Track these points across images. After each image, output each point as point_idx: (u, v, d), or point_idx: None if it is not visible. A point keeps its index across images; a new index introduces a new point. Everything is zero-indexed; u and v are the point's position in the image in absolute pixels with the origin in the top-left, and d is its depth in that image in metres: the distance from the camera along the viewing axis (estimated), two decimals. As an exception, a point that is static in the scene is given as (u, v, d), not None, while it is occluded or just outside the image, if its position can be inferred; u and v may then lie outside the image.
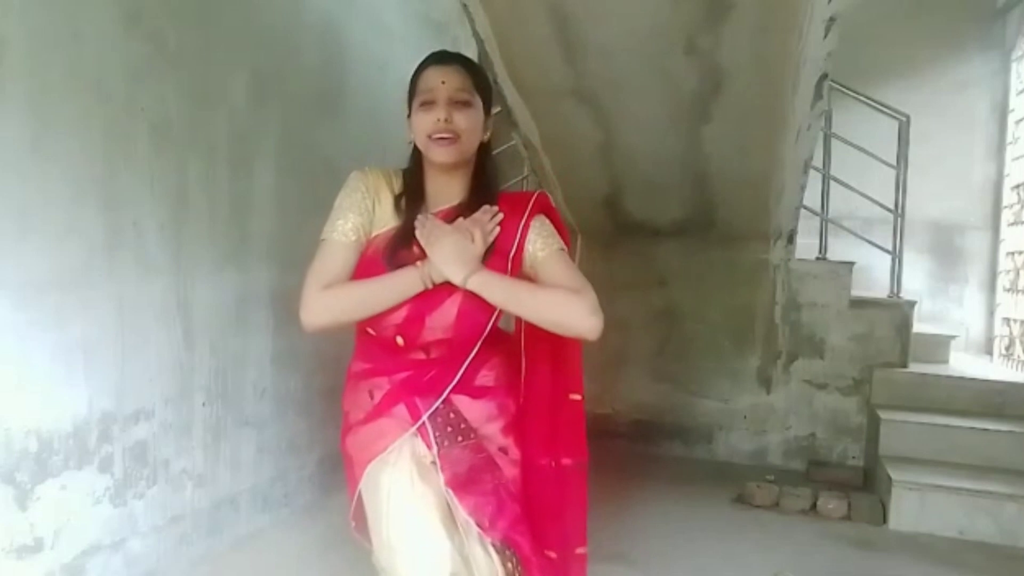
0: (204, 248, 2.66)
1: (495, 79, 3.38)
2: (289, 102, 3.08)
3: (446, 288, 1.43)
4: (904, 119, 4.31)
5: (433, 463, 1.45)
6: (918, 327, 4.44)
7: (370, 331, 1.51)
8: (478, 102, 1.48)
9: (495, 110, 1.69)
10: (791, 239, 4.33)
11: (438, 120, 1.42)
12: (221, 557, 2.72)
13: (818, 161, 4.17)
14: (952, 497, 3.34)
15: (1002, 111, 5.81)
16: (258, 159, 2.93)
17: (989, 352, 5.64)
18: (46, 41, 2.06)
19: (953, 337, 4.91)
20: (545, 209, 1.54)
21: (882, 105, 4.32)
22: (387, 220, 1.49)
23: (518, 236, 1.48)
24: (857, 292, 4.32)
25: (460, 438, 1.49)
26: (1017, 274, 5.27)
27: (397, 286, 1.42)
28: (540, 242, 1.48)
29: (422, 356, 1.50)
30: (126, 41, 2.31)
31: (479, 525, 1.44)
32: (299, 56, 3.15)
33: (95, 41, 2.20)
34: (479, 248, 1.42)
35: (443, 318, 1.46)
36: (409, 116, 1.50)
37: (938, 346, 4.68)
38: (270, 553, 2.81)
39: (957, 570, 2.97)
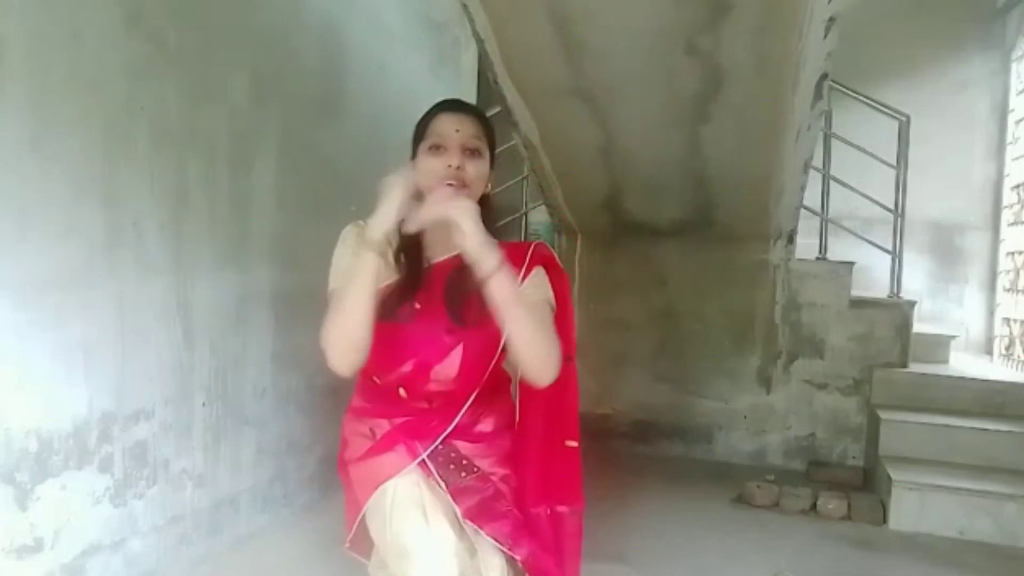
0: (204, 247, 2.66)
1: (495, 79, 3.38)
2: (289, 102, 3.08)
3: (451, 339, 1.46)
4: (904, 119, 4.31)
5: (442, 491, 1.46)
6: (918, 327, 4.44)
7: (375, 380, 1.54)
8: (487, 153, 1.49)
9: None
10: (791, 239, 4.33)
11: (449, 166, 1.43)
12: (221, 557, 2.72)
13: (818, 161, 4.17)
14: (952, 497, 3.34)
15: (1002, 111, 5.81)
16: (258, 159, 2.93)
17: (989, 352, 5.64)
18: (46, 41, 2.06)
19: (953, 337, 4.91)
20: (544, 260, 1.56)
21: (882, 105, 4.32)
22: (385, 274, 1.45)
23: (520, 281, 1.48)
24: (857, 292, 4.31)
25: (464, 473, 1.50)
26: (1017, 274, 5.27)
27: (360, 273, 1.37)
28: (530, 290, 1.50)
29: (424, 405, 1.53)
30: (126, 40, 2.30)
31: (503, 545, 1.44)
32: (299, 56, 3.15)
33: (95, 41, 2.20)
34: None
35: (448, 370, 1.49)
36: (413, 158, 1.49)
37: (938, 346, 4.68)
38: (270, 553, 2.81)
39: (957, 570, 2.97)
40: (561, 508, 1.58)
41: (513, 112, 3.59)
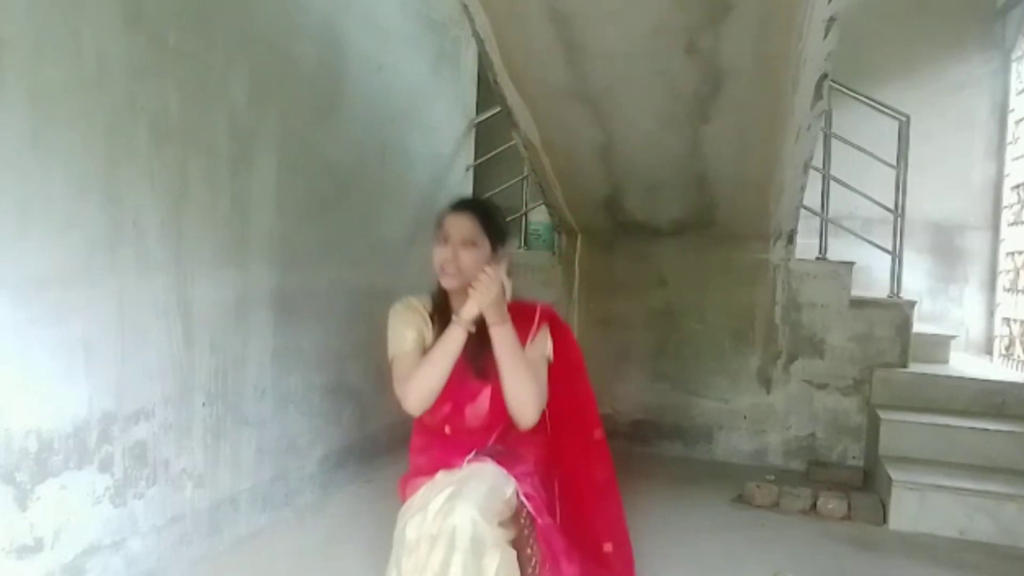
0: (204, 246, 2.66)
1: (495, 79, 3.37)
2: (289, 101, 3.08)
3: (479, 383, 1.86)
4: (904, 119, 4.31)
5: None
6: (918, 327, 4.44)
7: (425, 421, 1.91)
8: (485, 243, 1.89)
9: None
10: (791, 239, 4.33)
11: (445, 258, 1.88)
12: (221, 557, 2.72)
13: (818, 161, 4.17)
14: (952, 497, 3.34)
15: (1002, 111, 5.81)
16: (258, 157, 2.93)
17: (989, 352, 5.64)
18: (47, 39, 2.06)
19: (953, 337, 4.91)
20: (549, 318, 1.98)
21: (882, 105, 4.32)
22: (430, 335, 1.92)
23: (528, 340, 1.91)
24: (857, 292, 4.31)
25: (488, 456, 1.84)
26: (1017, 274, 5.26)
27: (449, 342, 1.80)
28: (535, 346, 1.92)
29: (465, 439, 1.89)
30: (126, 40, 2.31)
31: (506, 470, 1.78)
32: (299, 56, 3.15)
33: (96, 39, 2.20)
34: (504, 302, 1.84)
35: (479, 409, 1.87)
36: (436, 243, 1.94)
37: (938, 346, 4.68)
38: (270, 553, 2.81)
39: (957, 570, 2.97)
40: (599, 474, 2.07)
41: (513, 112, 3.59)
